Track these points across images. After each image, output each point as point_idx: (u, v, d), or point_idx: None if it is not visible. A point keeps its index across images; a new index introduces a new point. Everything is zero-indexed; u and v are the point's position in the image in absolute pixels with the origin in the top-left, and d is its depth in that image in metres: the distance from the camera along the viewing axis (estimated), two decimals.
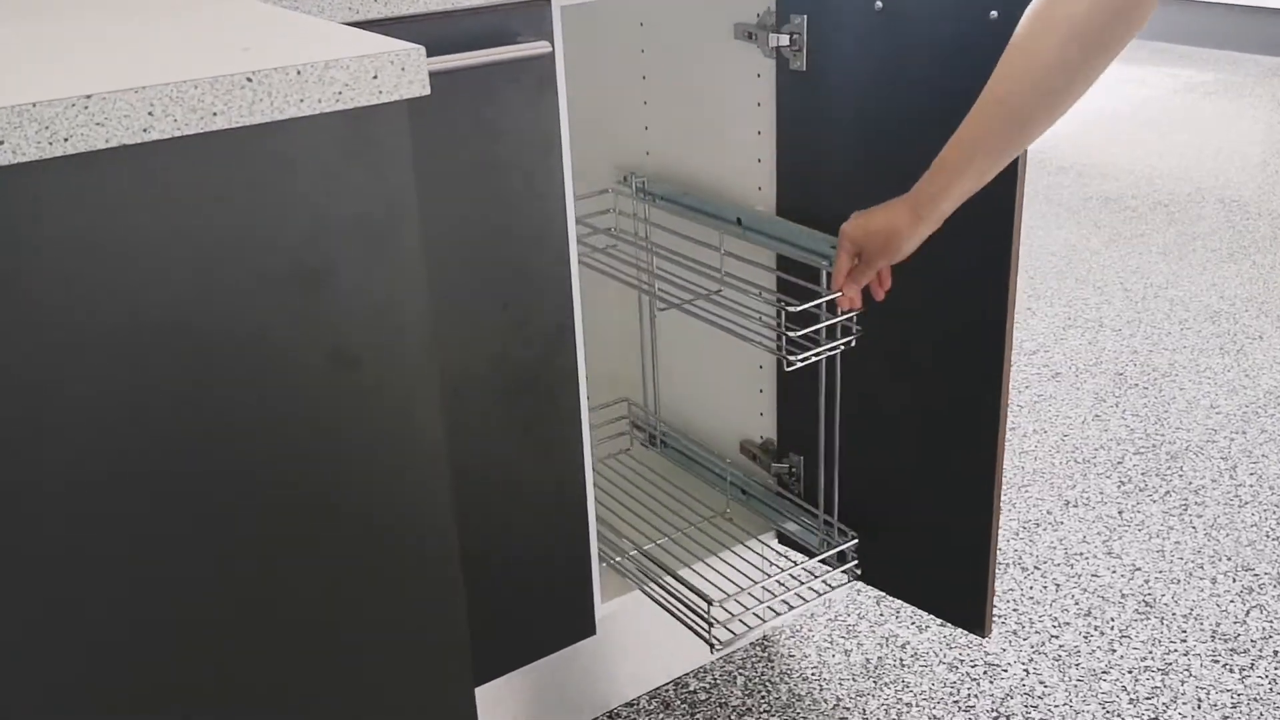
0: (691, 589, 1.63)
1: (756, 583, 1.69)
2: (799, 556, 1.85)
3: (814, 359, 1.58)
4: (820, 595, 1.74)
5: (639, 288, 1.87)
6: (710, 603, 1.60)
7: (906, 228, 1.39)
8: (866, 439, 1.69)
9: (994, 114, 1.29)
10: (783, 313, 1.58)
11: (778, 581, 1.70)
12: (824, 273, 1.58)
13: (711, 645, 1.59)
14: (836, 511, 1.73)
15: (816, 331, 1.57)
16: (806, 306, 1.54)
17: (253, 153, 0.94)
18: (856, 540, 1.70)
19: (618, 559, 1.73)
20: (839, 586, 1.74)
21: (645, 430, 2.06)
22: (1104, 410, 2.70)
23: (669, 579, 1.66)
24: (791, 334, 1.55)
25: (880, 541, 1.70)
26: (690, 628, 1.65)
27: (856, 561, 1.71)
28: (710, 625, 1.61)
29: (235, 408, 0.99)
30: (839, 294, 1.50)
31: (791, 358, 1.55)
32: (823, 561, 1.70)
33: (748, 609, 1.65)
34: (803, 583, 1.68)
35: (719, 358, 1.91)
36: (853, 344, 1.59)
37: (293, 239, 0.97)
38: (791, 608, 1.72)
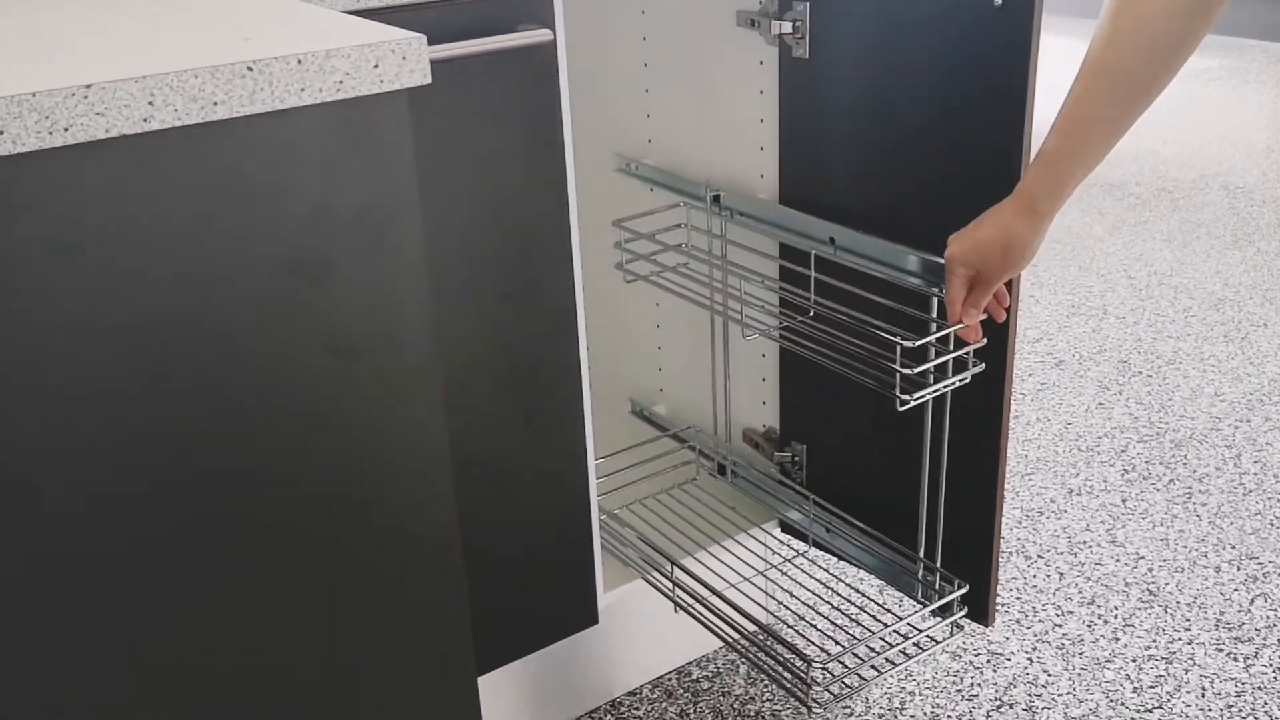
0: (784, 643, 1.56)
1: (860, 641, 1.60)
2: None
3: (930, 396, 1.47)
4: (925, 652, 1.61)
5: (713, 310, 1.76)
6: (809, 662, 1.52)
7: (1028, 232, 1.30)
8: (865, 426, 1.68)
9: (1104, 84, 1.22)
10: (898, 348, 1.42)
11: (881, 639, 1.58)
12: (934, 300, 1.46)
13: (809, 708, 1.53)
14: (939, 557, 1.62)
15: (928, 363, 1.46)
16: (925, 341, 1.42)
17: (253, 142, 0.93)
18: (966, 590, 1.59)
19: (698, 607, 1.64)
20: (944, 641, 1.62)
21: (713, 459, 1.96)
22: (1107, 398, 2.70)
23: (761, 634, 1.58)
24: (907, 371, 1.43)
25: (883, 530, 1.70)
26: (781, 684, 1.57)
27: (966, 610, 1.60)
28: (809, 687, 1.53)
29: (235, 399, 0.99)
30: (960, 325, 1.40)
31: (906, 396, 1.44)
32: (931, 613, 1.60)
33: (850, 669, 1.56)
34: (905, 636, 1.58)
35: (722, 346, 1.90)
36: (968, 380, 1.46)
37: (293, 229, 0.97)
38: (894, 665, 1.59)
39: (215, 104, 0.89)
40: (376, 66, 0.95)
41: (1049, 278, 3.32)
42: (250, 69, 0.90)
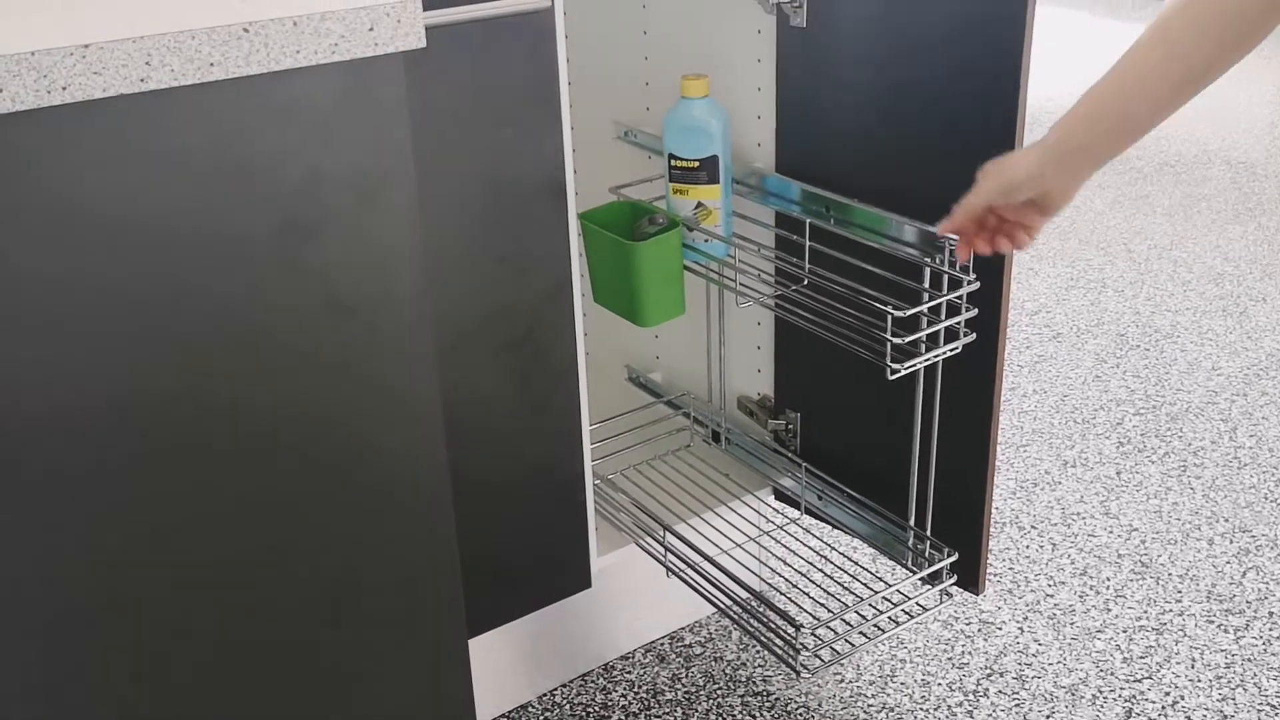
0: (774, 609, 1.55)
1: (850, 607, 1.57)
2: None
3: (920, 365, 1.47)
4: (914, 619, 1.61)
5: (709, 278, 1.75)
6: (798, 628, 1.52)
7: (1025, 164, 1.21)
8: (859, 394, 1.69)
9: (1158, 60, 1.12)
10: (889, 317, 1.43)
11: (871, 605, 1.58)
12: (927, 270, 1.47)
13: (798, 672, 1.54)
14: (929, 524, 1.62)
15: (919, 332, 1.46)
16: (916, 310, 1.42)
17: (250, 104, 0.94)
18: (956, 558, 1.59)
19: (690, 573, 1.65)
20: (934, 608, 1.63)
21: (708, 426, 1.97)
22: (1104, 371, 2.70)
23: (752, 600, 1.57)
24: (898, 340, 1.43)
25: (876, 499, 1.71)
26: (771, 649, 1.57)
27: (955, 579, 1.61)
28: (797, 652, 1.54)
29: (230, 356, 1.00)
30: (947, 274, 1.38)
31: (897, 365, 1.45)
32: (921, 580, 1.60)
33: (839, 635, 1.56)
34: (894, 604, 1.58)
35: (718, 314, 1.91)
36: (959, 350, 1.48)
37: (289, 190, 0.98)
38: (883, 631, 1.60)
39: (212, 65, 0.90)
40: (371, 29, 0.96)
41: (1048, 250, 3.32)
42: (246, 30, 0.90)
